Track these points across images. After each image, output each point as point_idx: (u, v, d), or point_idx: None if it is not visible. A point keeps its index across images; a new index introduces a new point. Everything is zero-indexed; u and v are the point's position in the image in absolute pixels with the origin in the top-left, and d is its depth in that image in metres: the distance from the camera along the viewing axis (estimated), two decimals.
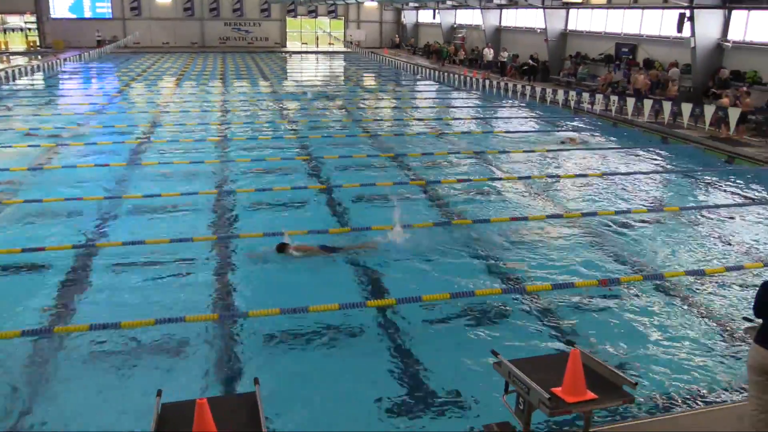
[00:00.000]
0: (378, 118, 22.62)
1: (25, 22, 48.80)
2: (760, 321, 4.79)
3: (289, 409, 5.68)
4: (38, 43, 46.51)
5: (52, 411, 5.73)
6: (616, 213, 11.35)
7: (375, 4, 52.53)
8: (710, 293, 8.28)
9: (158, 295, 7.97)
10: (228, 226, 10.67)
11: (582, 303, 7.89)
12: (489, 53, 35.77)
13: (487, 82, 29.12)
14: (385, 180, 13.27)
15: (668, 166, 15.70)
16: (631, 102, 20.86)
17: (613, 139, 18.68)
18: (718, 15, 21.13)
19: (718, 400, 5.95)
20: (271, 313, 7.17)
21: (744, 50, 20.80)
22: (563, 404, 4.16)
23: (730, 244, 10.09)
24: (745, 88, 19.15)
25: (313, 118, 21.56)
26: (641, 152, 16.94)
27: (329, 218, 11.11)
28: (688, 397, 5.99)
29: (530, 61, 31.00)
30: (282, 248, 9.12)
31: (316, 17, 55.59)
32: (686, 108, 19.01)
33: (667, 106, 19.69)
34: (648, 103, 20.31)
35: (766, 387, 4.70)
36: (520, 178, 13.82)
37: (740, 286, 8.46)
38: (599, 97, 22.69)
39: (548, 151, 16.64)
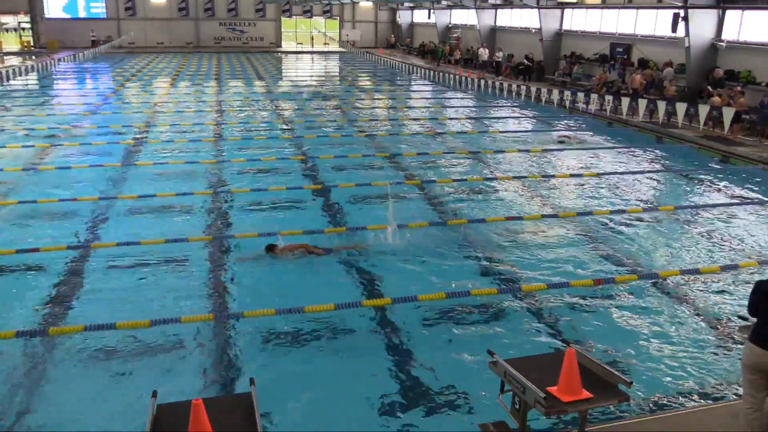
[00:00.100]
0: (373, 118, 22.62)
1: (19, 22, 48.59)
2: (755, 320, 4.81)
3: (285, 409, 5.68)
4: (32, 44, 46.35)
5: (47, 412, 5.71)
6: (611, 212, 11.38)
7: (370, 4, 52.51)
8: (705, 292, 8.31)
9: (153, 295, 7.95)
10: (223, 226, 10.64)
11: (577, 302, 7.90)
12: (484, 53, 35.81)
13: (482, 81, 29.15)
14: (381, 180, 13.26)
15: (663, 166, 15.74)
16: (625, 102, 20.92)
17: (608, 138, 18.71)
18: (712, 15, 21.21)
19: (712, 398, 5.97)
20: (267, 314, 7.17)
21: (738, 50, 20.88)
22: (559, 403, 4.17)
23: (724, 243, 10.12)
24: (739, 88, 19.23)
25: (309, 118, 21.55)
26: (636, 152, 16.98)
27: (325, 218, 11.10)
28: (682, 395, 6.02)
29: (525, 61, 31.06)
30: (271, 249, 9.10)
31: (311, 17, 55.55)
32: (681, 107, 19.08)
33: (661, 105, 19.76)
34: (643, 103, 20.37)
35: (761, 385, 4.72)
36: (515, 177, 13.84)
37: (735, 285, 8.49)
38: (594, 96, 22.75)
39: (544, 150, 16.67)
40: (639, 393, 5.87)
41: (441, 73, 34.25)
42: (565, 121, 21.51)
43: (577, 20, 29.87)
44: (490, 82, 29.03)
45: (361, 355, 6.74)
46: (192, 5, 51.27)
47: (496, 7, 36.53)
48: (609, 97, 22.02)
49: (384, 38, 56.28)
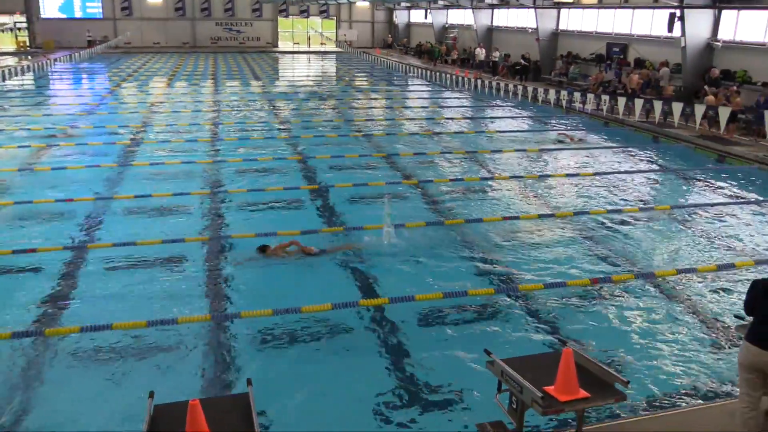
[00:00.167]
0: (370, 118, 22.62)
1: (15, 22, 48.47)
2: (751, 319, 4.83)
3: (282, 409, 5.67)
4: (28, 44, 46.23)
5: (44, 413, 5.70)
6: (608, 212, 11.40)
7: (367, 3, 52.52)
8: (701, 291, 8.32)
9: (150, 296, 7.93)
10: (220, 226, 10.63)
11: (574, 302, 7.91)
12: (481, 53, 35.83)
13: (479, 81, 29.17)
14: (378, 180, 13.27)
15: (659, 165, 15.77)
16: (622, 101, 20.95)
17: (605, 138, 18.75)
18: (708, 15, 21.26)
19: (709, 397, 5.98)
20: (264, 314, 7.16)
21: (734, 50, 20.93)
22: (556, 403, 4.17)
23: (721, 243, 10.14)
24: (735, 88, 19.28)
25: (306, 118, 21.54)
26: (632, 151, 17.01)
27: (322, 218, 11.09)
28: (679, 394, 6.03)
29: (522, 61, 31.09)
30: (263, 250, 9.09)
31: (307, 17, 55.52)
32: (677, 107, 19.11)
33: (658, 105, 19.80)
34: (639, 103, 20.41)
35: (757, 384, 4.74)
36: (512, 177, 13.85)
37: (731, 284, 8.51)
38: (590, 96, 22.78)
39: (540, 150, 16.70)
40: (636, 392, 5.88)
41: (438, 73, 34.26)
42: (562, 121, 21.53)
43: (573, 20, 29.91)
44: (486, 82, 29.04)
45: (358, 355, 6.73)
46: (188, 5, 51.20)
47: (492, 7, 36.56)
48: (605, 97, 22.05)
49: (381, 38, 56.26)
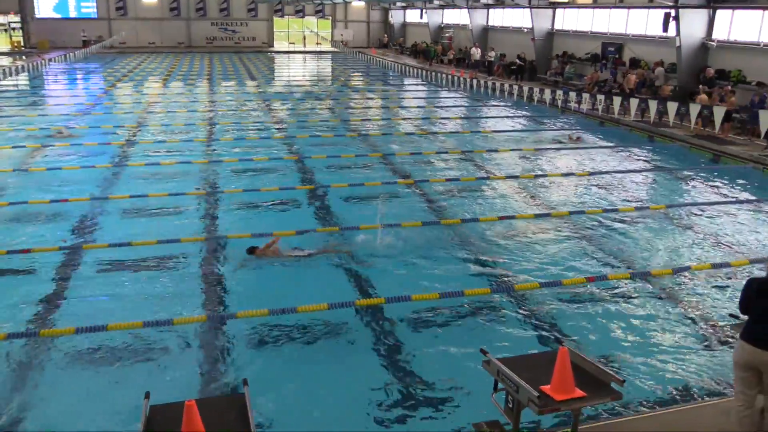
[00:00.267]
0: (366, 117, 22.61)
1: (9, 22, 48.28)
2: (746, 317, 4.84)
3: (279, 409, 5.67)
4: (22, 44, 46.05)
5: (39, 414, 5.68)
6: (604, 211, 11.42)
7: (362, 3, 52.50)
8: (697, 290, 8.35)
9: (146, 296, 7.91)
10: (216, 226, 10.61)
11: (570, 301, 7.93)
12: (476, 53, 35.86)
13: (475, 81, 29.19)
14: (374, 180, 13.27)
15: (655, 165, 15.81)
16: (617, 101, 21.00)
17: (600, 137, 18.78)
18: (702, 14, 21.32)
19: (704, 396, 6.00)
20: (260, 314, 7.15)
21: (728, 49, 21.00)
22: (552, 402, 4.18)
23: (716, 242, 10.17)
24: (729, 87, 19.34)
25: (301, 118, 21.52)
26: (628, 151, 17.05)
27: (318, 218, 11.09)
28: (675, 393, 6.04)
29: (517, 61, 31.13)
30: (252, 251, 9.07)
31: (303, 17, 55.49)
32: (672, 107, 19.17)
33: (653, 105, 19.85)
34: (635, 102, 20.46)
35: (752, 382, 4.75)
36: (507, 176, 13.87)
37: (726, 283, 8.54)
38: (586, 96, 22.82)
39: (536, 150, 16.73)
40: (631, 391, 5.89)
41: (433, 73, 34.29)
42: (558, 121, 21.57)
43: (568, 20, 29.96)
44: (482, 82, 29.08)
45: (354, 355, 6.73)
46: (183, 5, 51.10)
47: (488, 6, 36.60)
48: (601, 97, 22.10)
49: (376, 38, 56.27)
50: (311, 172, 14.07)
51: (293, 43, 56.63)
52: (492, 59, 33.99)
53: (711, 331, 7.30)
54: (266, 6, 52.31)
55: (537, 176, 14.05)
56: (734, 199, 12.75)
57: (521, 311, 7.68)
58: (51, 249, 9.26)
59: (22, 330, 7.00)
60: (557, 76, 28.69)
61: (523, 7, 31.43)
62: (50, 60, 37.76)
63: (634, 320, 7.47)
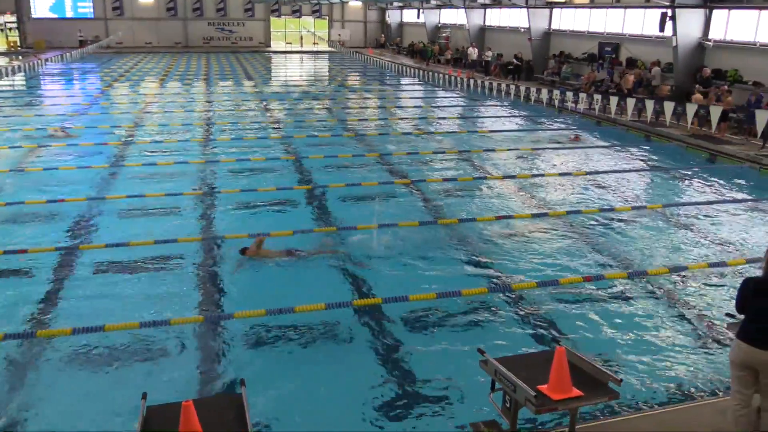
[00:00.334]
0: (363, 117, 22.62)
1: (6, 22, 48.17)
2: (742, 317, 4.85)
3: (275, 409, 5.66)
4: (19, 44, 45.94)
5: (36, 414, 5.67)
6: (601, 210, 11.44)
7: (359, 3, 52.50)
8: (693, 289, 8.36)
9: (142, 297, 7.90)
10: (213, 226, 10.60)
11: (567, 300, 7.93)
12: (473, 52, 35.88)
13: (472, 81, 29.21)
14: (371, 180, 13.27)
15: (652, 164, 15.84)
16: (614, 101, 21.03)
17: (597, 137, 18.81)
18: (699, 14, 21.36)
19: (701, 395, 6.01)
20: (257, 314, 7.15)
21: (725, 49, 21.04)
22: (549, 402, 4.19)
23: (712, 241, 10.19)
24: (726, 87, 19.38)
25: (298, 118, 21.51)
26: (625, 150, 17.08)
27: (314, 218, 11.08)
28: (671, 392, 6.05)
29: (514, 61, 31.15)
30: (243, 251, 9.05)
31: (300, 17, 55.45)
32: (668, 106, 19.20)
33: (649, 104, 19.88)
34: (631, 102, 20.49)
35: (749, 382, 4.76)
36: (504, 176, 13.88)
37: (723, 282, 8.56)
38: (583, 96, 22.85)
39: (533, 149, 16.75)
40: (628, 390, 5.90)
41: (430, 73, 34.30)
42: (555, 121, 21.59)
43: (565, 20, 29.99)
44: (479, 82, 29.10)
45: (351, 355, 6.73)
46: (180, 5, 51.04)
47: (485, 6, 36.62)
48: (597, 96, 22.13)
49: (373, 38, 56.27)
50: (308, 172, 14.06)
51: (290, 43, 56.60)
52: (489, 59, 34.00)
53: (707, 330, 7.32)
54: (263, 6, 52.28)
55: (534, 176, 14.06)
56: (731, 199, 12.78)
57: (518, 311, 7.68)
58: (48, 249, 9.24)
59: (20, 331, 6.98)
60: (554, 76, 28.71)
61: (520, 7, 31.45)
62: (47, 60, 37.68)
63: (631, 319, 7.48)
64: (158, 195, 11.87)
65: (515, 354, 5.11)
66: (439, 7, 43.00)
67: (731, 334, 5.16)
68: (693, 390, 6.10)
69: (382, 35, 55.80)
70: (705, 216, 11.44)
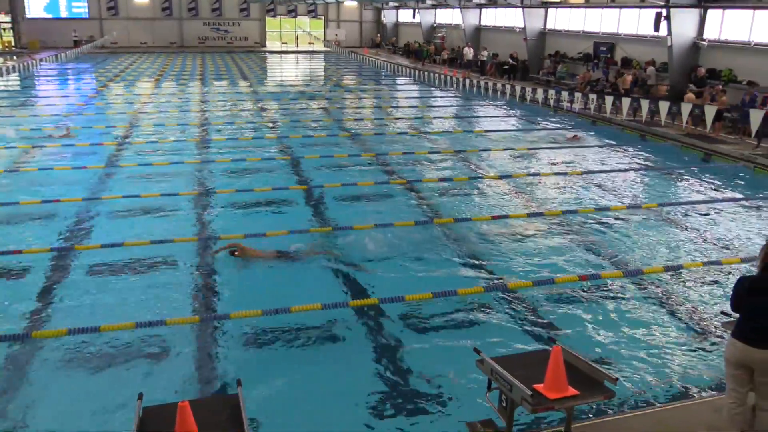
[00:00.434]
0: (359, 117, 22.61)
1: (0, 22, 47.97)
2: (737, 315, 4.87)
3: (271, 409, 5.66)
4: (13, 44, 45.79)
5: (32, 415, 5.65)
6: (597, 210, 11.47)
7: (355, 3, 52.49)
8: (688, 288, 8.39)
9: (138, 297, 7.88)
10: (208, 227, 10.58)
11: (563, 299, 7.95)
12: (469, 52, 35.92)
13: (467, 81, 29.23)
14: (366, 179, 13.27)
15: (647, 164, 15.88)
16: (609, 100, 21.08)
17: (593, 136, 18.85)
18: (694, 14, 21.42)
19: (696, 393, 6.03)
20: (253, 315, 7.14)
21: (719, 49, 21.11)
22: (545, 401, 4.19)
23: (707, 240, 10.22)
24: (720, 86, 19.44)
25: (294, 118, 21.49)
26: (620, 150, 17.12)
27: (311, 218, 11.07)
28: (667, 391, 6.07)
29: (510, 60, 31.19)
30: (233, 252, 9.04)
31: (295, 17, 55.43)
32: (663, 106, 19.25)
33: (645, 104, 19.93)
34: (626, 102, 20.54)
35: (744, 380, 4.78)
36: (500, 176, 13.89)
37: (718, 281, 8.58)
38: (578, 95, 22.90)
39: (529, 149, 16.77)
40: (624, 389, 5.92)
41: (426, 73, 34.32)
42: (550, 121, 21.62)
43: (560, 19, 30.05)
44: (475, 82, 29.12)
45: (347, 354, 6.73)
46: (175, 5, 50.95)
47: (480, 6, 36.66)
48: (593, 96, 22.17)
49: (369, 38, 56.27)
50: (304, 173, 14.05)
51: (285, 43, 56.56)
52: (484, 59, 34.05)
53: (703, 328, 7.34)
54: (258, 6, 52.23)
55: (529, 175, 14.08)
56: (726, 198, 12.82)
57: (514, 310, 7.69)
58: (43, 250, 9.21)
59: (14, 331, 6.95)
60: (549, 76, 28.77)
61: (516, 7, 31.50)
62: (41, 60, 37.57)
63: (626, 318, 7.50)
64: (154, 195, 11.84)
65: (511, 353, 5.12)
66: (434, 7, 43.04)
67: (726, 333, 5.18)
68: (688, 388, 6.12)
69: (378, 35, 55.80)
70: (700, 215, 11.48)
